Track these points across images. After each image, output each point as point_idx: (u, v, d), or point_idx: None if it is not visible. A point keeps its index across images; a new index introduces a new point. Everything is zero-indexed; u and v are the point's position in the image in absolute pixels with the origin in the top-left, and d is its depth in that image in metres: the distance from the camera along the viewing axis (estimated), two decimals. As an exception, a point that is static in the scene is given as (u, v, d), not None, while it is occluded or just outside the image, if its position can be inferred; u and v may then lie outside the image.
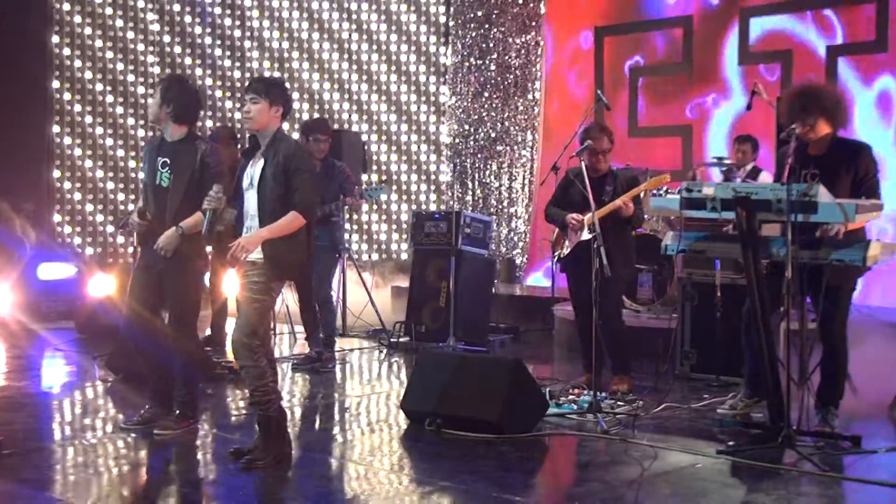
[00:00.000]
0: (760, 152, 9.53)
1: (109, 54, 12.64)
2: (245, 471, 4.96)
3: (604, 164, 6.94)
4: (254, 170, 5.20)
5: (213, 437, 5.86)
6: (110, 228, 12.64)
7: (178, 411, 5.83)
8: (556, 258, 7.15)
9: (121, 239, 12.59)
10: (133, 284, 5.89)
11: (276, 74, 13.17)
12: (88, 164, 12.53)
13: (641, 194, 6.93)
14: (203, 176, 5.67)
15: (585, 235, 6.68)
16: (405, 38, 13.64)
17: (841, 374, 5.80)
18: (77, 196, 12.49)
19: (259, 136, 5.25)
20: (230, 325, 8.73)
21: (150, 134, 12.65)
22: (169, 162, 5.76)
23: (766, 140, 9.62)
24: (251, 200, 5.19)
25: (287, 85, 5.51)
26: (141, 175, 5.97)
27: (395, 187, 13.58)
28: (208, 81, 13.14)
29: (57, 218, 12.35)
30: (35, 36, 12.02)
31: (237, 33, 13.33)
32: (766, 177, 9.05)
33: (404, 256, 13.22)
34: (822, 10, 10.29)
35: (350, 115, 13.60)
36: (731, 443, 5.42)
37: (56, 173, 12.33)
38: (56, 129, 12.33)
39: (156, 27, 12.90)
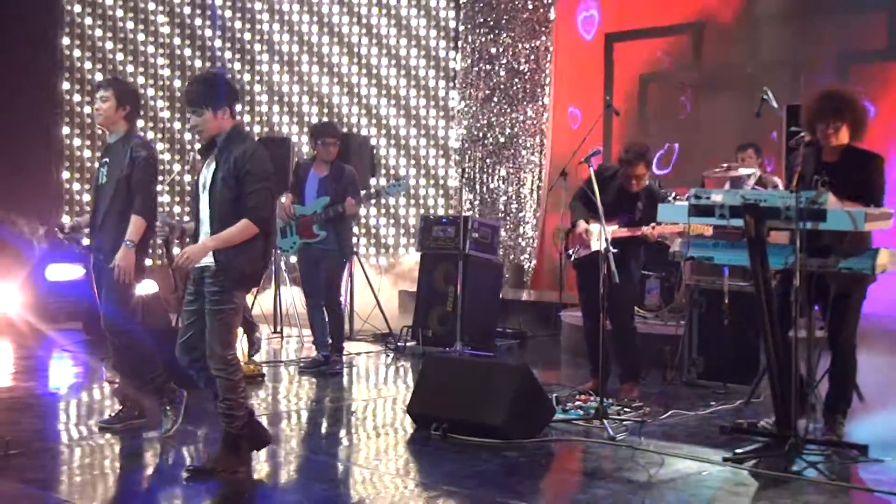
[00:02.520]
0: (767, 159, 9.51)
1: (119, 56, 12.68)
2: (189, 480, 4.87)
3: (637, 187, 6.88)
4: (207, 172, 4.96)
5: (219, 441, 5.84)
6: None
7: (165, 405, 5.80)
8: (570, 256, 7.08)
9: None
10: (98, 288, 5.87)
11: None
12: (98, 165, 12.55)
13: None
14: (133, 170, 5.69)
15: (596, 245, 6.51)
16: (415, 43, 13.66)
17: (849, 382, 5.78)
18: (86, 197, 12.50)
19: (217, 138, 4.96)
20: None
21: (160, 136, 12.71)
22: (107, 161, 5.81)
23: (773, 147, 9.60)
24: (203, 205, 4.96)
25: (216, 79, 5.18)
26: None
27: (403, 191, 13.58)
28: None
29: (66, 219, 12.37)
30: (45, 37, 12.06)
31: (247, 36, 13.36)
32: (778, 185, 9.02)
33: (412, 260, 13.23)
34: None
35: (359, 119, 13.63)
36: (737, 450, 5.40)
37: (65, 174, 12.37)
38: (66, 130, 12.36)
39: (166, 29, 12.94)
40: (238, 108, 5.32)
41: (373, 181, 10.71)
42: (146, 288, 9.31)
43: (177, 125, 13.00)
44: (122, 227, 5.69)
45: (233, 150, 4.88)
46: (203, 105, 4.88)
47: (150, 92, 12.76)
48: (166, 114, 12.92)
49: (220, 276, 4.84)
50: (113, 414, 6.01)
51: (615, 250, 6.26)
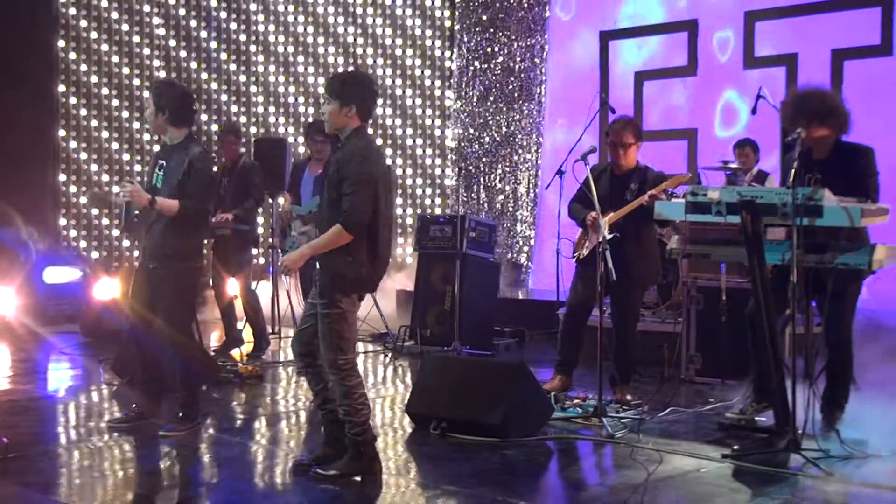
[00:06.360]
0: (768, 157, 9.52)
1: (115, 58, 12.66)
2: (300, 473, 4.99)
3: (623, 159, 6.72)
4: None
5: (217, 441, 5.85)
6: (115, 232, 12.65)
7: (181, 413, 5.84)
8: (576, 258, 7.03)
9: (126, 242, 12.62)
10: (134, 286, 5.93)
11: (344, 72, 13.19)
12: (94, 167, 12.55)
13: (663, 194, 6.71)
14: (189, 178, 5.74)
15: (607, 234, 6.44)
16: (410, 42, 13.66)
17: (846, 377, 5.79)
18: (83, 199, 12.50)
19: (341, 134, 4.96)
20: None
21: (156, 138, 12.70)
22: (164, 164, 5.84)
23: (772, 145, 9.62)
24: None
25: (366, 80, 5.14)
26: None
27: (399, 191, 13.59)
28: (213, 86, 13.17)
29: (63, 221, 12.36)
30: (41, 40, 12.05)
31: (242, 37, 13.36)
32: (773, 181, 9.04)
33: (409, 260, 13.23)
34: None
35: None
36: (736, 447, 5.41)
37: (62, 177, 12.35)
38: (62, 132, 12.35)
39: (161, 31, 12.93)
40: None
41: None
42: (110, 291, 9.32)
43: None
44: (169, 233, 5.74)
45: (343, 150, 4.87)
46: (332, 95, 4.90)
47: (146, 94, 12.72)
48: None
49: (322, 279, 4.81)
50: (122, 414, 6.03)
51: (614, 234, 6.25)
